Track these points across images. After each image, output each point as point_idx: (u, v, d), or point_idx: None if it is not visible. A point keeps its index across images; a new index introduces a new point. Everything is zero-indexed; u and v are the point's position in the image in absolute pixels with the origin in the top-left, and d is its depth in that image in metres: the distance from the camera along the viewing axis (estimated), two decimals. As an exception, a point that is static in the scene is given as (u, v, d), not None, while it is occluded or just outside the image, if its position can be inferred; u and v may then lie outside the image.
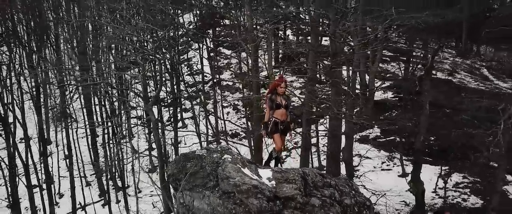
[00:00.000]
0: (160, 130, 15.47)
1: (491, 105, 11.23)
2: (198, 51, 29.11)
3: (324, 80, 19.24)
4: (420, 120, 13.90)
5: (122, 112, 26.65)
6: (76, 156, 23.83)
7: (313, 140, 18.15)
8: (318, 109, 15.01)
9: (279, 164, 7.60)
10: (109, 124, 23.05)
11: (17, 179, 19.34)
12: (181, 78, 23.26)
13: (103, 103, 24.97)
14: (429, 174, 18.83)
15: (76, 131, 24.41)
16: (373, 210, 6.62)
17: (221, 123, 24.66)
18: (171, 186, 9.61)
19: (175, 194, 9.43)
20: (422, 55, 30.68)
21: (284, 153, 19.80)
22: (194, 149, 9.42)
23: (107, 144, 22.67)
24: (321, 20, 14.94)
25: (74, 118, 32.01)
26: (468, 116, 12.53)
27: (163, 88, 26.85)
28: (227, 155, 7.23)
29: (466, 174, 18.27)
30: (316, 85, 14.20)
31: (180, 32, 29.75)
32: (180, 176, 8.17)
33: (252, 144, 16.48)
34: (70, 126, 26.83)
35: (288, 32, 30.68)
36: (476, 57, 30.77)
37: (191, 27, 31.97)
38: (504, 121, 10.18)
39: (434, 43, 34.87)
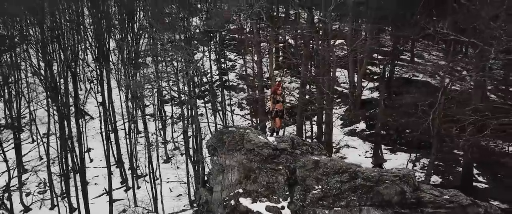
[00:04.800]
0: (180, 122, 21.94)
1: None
2: (205, 53, 35.78)
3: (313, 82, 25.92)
4: (378, 113, 20.53)
5: (140, 108, 33.31)
6: (106, 148, 30.20)
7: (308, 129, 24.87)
8: (311, 107, 21.65)
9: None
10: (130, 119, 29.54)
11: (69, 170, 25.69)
12: (197, 79, 29.94)
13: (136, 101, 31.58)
14: (403, 160, 25.54)
15: (101, 125, 30.88)
16: (330, 159, 13.23)
17: (228, 119, 31.32)
18: (208, 154, 16.26)
19: (211, 158, 16.09)
20: (409, 57, 37.57)
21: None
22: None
23: (144, 135, 29.13)
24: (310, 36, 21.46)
25: (90, 115, 38.70)
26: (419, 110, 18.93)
27: (175, 88, 33.60)
28: (249, 129, 13.90)
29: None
30: (307, 86, 20.82)
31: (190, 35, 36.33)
32: (218, 144, 14.86)
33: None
34: (85, 122, 33.51)
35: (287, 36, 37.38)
36: (462, 59, 37.31)
37: (198, 30, 38.58)
38: (432, 112, 16.79)
39: (422, 45, 41.69)
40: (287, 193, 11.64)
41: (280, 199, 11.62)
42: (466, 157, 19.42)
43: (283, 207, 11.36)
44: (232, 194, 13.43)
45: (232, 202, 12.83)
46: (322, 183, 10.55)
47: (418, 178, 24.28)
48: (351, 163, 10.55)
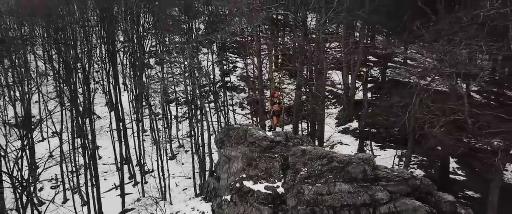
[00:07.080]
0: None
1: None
2: (207, 55, 39.75)
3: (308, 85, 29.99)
4: (362, 113, 24.59)
5: (146, 108, 37.33)
6: (119, 145, 34.23)
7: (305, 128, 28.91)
8: (305, 108, 25.66)
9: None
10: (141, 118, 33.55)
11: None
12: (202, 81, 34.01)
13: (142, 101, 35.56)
14: (391, 155, 29.56)
15: (110, 124, 34.89)
16: (317, 150, 17.28)
17: (228, 118, 35.35)
18: (217, 147, 20.31)
19: (219, 151, 20.14)
20: (402, 60, 41.62)
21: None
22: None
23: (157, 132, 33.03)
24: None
25: (97, 114, 42.75)
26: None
27: (178, 88, 37.69)
28: (251, 126, 17.96)
29: (417, 154, 28.95)
30: (303, 89, 24.84)
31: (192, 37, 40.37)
32: (225, 138, 18.92)
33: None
34: (94, 121, 37.47)
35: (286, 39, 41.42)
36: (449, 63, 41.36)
37: (200, 33, 42.63)
38: (408, 112, 20.80)
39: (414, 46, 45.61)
40: (281, 175, 15.71)
41: (276, 180, 15.69)
42: (442, 151, 23.42)
43: (278, 186, 15.43)
44: (237, 179, 17.51)
45: (237, 185, 16.90)
46: (307, 166, 14.60)
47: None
48: (329, 150, 14.60)
